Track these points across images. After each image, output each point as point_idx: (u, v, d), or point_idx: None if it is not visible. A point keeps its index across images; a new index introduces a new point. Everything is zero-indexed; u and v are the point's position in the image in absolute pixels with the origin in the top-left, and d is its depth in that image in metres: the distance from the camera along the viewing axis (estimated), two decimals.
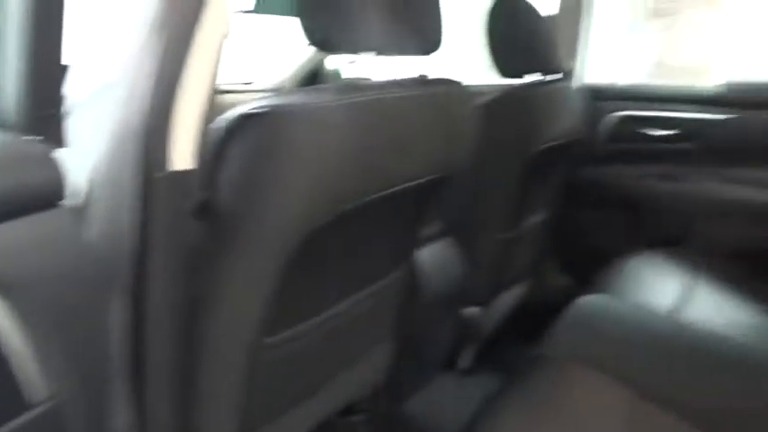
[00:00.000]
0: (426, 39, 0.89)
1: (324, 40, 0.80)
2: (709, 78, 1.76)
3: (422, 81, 0.92)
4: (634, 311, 1.27)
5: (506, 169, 1.40)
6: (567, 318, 1.21)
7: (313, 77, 2.19)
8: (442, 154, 0.94)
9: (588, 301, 1.28)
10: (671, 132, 1.76)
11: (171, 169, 0.61)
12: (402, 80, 0.89)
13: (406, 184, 0.87)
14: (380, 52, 0.81)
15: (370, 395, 1.16)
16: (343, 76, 2.43)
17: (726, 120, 1.69)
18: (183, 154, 0.61)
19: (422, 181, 0.90)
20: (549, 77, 1.51)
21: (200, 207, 0.67)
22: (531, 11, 1.42)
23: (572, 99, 1.62)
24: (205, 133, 0.65)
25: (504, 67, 1.42)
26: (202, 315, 0.71)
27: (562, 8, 1.82)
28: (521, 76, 1.46)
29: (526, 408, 0.94)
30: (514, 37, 1.40)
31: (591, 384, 0.98)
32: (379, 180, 0.81)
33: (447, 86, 0.95)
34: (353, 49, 0.79)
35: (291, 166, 0.67)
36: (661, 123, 1.77)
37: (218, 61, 0.64)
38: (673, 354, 1.11)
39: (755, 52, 1.99)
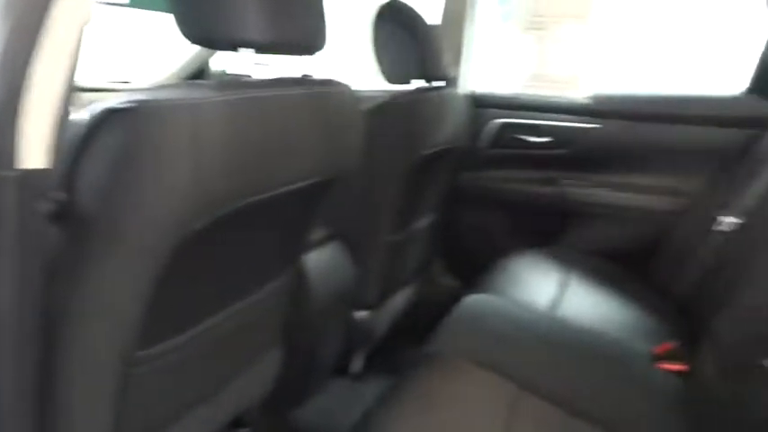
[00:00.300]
0: (309, 38, 0.87)
1: (199, 35, 0.76)
2: (578, 89, 1.90)
3: (306, 81, 0.91)
4: (515, 309, 1.33)
5: (393, 173, 1.42)
6: (453, 317, 1.24)
7: (197, 77, 2.12)
8: (328, 156, 0.93)
9: (473, 301, 1.32)
10: (546, 139, 1.87)
11: (21, 167, 0.55)
12: (285, 79, 0.87)
13: (291, 187, 0.84)
14: (261, 50, 0.79)
15: (258, 405, 1.12)
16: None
17: (592, 129, 1.83)
18: (35, 151, 0.56)
19: (307, 183, 0.88)
20: (434, 84, 1.56)
21: (59, 210, 0.61)
22: (417, 18, 1.46)
23: (456, 106, 1.67)
24: (65, 129, 0.60)
25: (390, 74, 1.45)
26: (63, 329, 0.65)
27: (446, 17, 1.89)
28: (406, 83, 1.50)
29: (413, 405, 0.95)
30: (400, 44, 1.43)
31: (475, 379, 1.01)
32: (261, 182, 0.78)
33: (333, 87, 0.94)
34: (231, 45, 0.76)
35: (160, 166, 0.62)
36: (537, 131, 1.88)
37: (76, 51, 0.58)
38: (552, 348, 1.17)
39: (618, 66, 2.16)
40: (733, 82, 1.80)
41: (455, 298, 1.34)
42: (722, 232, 1.45)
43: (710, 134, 1.73)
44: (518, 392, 0.98)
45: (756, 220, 1.38)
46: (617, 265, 1.72)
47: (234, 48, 0.76)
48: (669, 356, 1.22)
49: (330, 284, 1.30)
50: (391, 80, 1.47)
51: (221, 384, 0.96)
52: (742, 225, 1.42)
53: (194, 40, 0.76)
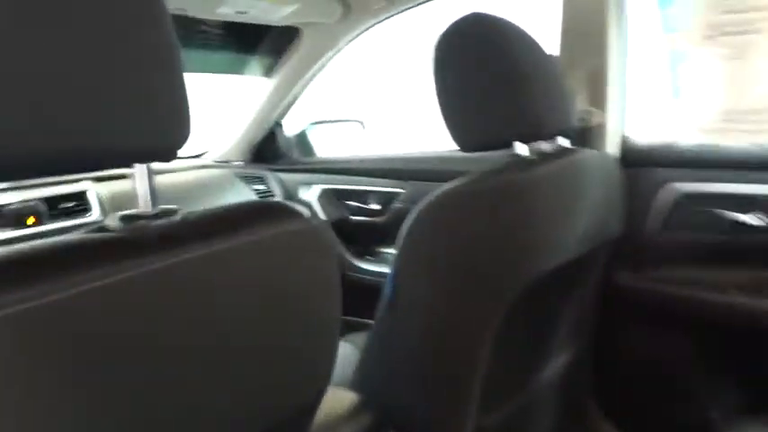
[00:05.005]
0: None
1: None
2: None
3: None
4: None
5: None
6: None
7: (267, 140, 2.02)
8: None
9: None
10: (756, 219, 1.15)
11: None
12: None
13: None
14: None
15: None
16: (312, 141, 2.09)
17: None
18: None
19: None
20: (560, 145, 0.96)
21: None
22: (522, 44, 0.87)
23: (603, 173, 1.04)
24: None
25: (475, 134, 0.87)
26: None
27: (570, 39, 1.24)
28: (507, 146, 0.90)
29: None
30: (491, 86, 0.85)
31: None
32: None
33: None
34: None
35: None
36: (738, 202, 1.16)
37: None
38: None
39: None
40: None
41: None
42: None
43: None
44: None
45: None
46: None
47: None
48: None
49: None
50: (474, 145, 0.88)
51: None
52: None
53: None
